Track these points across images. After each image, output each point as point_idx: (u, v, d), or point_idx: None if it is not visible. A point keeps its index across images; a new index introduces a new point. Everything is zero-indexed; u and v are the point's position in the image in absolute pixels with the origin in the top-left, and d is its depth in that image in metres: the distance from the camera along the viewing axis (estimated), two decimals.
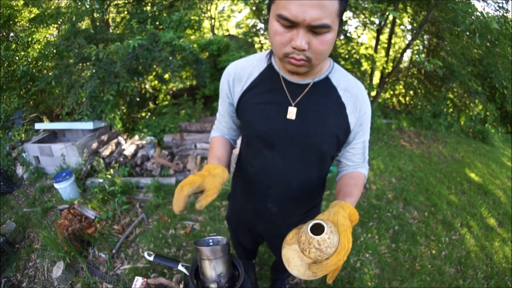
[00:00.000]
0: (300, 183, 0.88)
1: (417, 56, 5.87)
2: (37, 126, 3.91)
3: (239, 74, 0.84)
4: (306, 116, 0.77)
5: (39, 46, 4.46)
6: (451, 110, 6.35)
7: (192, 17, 4.77)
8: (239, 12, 7.18)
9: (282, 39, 0.62)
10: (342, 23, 0.66)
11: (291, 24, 0.59)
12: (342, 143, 0.85)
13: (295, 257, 0.63)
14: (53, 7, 4.71)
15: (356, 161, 0.90)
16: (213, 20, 7.33)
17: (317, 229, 0.60)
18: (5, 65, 4.08)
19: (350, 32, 5.78)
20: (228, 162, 0.95)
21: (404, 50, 5.29)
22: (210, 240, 0.84)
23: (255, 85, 0.82)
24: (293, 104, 0.77)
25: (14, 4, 4.38)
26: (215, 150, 0.95)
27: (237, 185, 1.09)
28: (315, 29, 0.59)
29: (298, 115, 0.77)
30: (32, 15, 4.55)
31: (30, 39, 4.33)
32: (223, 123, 0.99)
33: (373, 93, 6.11)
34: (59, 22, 4.55)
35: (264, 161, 0.86)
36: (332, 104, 0.79)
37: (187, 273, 0.84)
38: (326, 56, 0.66)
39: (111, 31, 5.10)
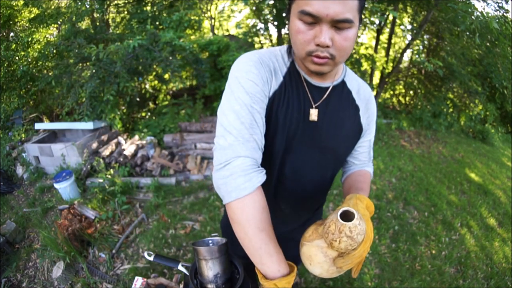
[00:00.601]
0: (315, 184, 0.88)
1: (417, 56, 5.87)
2: (37, 126, 3.92)
3: (269, 66, 0.73)
4: (326, 119, 0.77)
5: (39, 46, 4.47)
6: (451, 110, 6.35)
7: (192, 17, 4.78)
8: (239, 12, 7.20)
9: (305, 36, 0.62)
10: (361, 21, 0.65)
11: (313, 21, 0.59)
12: (355, 144, 0.87)
13: (318, 253, 0.60)
14: (53, 7, 4.72)
15: (362, 159, 0.91)
16: (213, 20, 7.34)
17: (343, 219, 0.57)
18: (5, 65, 4.09)
19: None
20: None
21: (404, 50, 5.29)
22: (210, 241, 0.83)
23: (285, 84, 0.75)
24: (314, 106, 0.77)
25: (14, 4, 4.38)
26: (274, 241, 0.62)
27: None
28: (338, 24, 0.59)
29: (318, 117, 0.77)
30: (32, 15, 4.56)
31: (30, 39, 4.33)
32: (251, 141, 0.65)
33: (373, 93, 6.10)
34: (59, 22, 4.56)
35: (282, 164, 0.83)
36: (349, 108, 0.80)
37: (187, 273, 0.83)
38: (349, 53, 0.65)
39: (111, 31, 5.10)
